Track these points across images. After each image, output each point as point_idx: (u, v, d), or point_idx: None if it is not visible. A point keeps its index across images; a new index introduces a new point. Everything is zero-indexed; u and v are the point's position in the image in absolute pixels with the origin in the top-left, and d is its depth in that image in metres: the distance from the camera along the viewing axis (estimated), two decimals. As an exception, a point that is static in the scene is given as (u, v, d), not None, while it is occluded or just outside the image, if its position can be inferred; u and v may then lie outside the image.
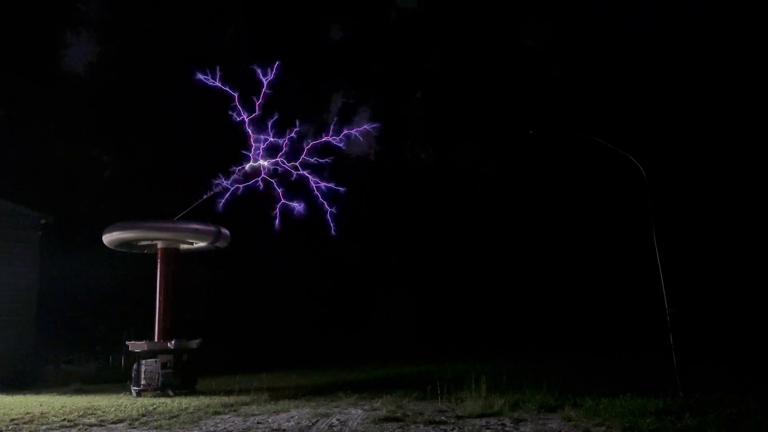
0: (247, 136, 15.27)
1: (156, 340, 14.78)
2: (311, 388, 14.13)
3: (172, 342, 14.32)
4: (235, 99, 15.05)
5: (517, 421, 8.79)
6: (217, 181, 15.02)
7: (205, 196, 14.98)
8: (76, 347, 22.68)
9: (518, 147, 29.74)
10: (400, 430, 8.39)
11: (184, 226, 15.26)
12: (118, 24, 31.69)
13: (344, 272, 31.00)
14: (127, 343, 14.70)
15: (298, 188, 15.99)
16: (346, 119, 37.34)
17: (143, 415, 10.16)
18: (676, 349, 10.53)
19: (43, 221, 19.88)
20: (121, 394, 13.91)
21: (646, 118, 27.97)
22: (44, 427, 9.24)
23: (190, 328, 16.92)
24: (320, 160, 15.44)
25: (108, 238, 15.36)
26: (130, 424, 9.35)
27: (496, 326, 27.85)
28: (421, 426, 8.60)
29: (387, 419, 9.10)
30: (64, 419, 9.85)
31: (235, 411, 10.52)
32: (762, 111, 25.96)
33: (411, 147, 37.79)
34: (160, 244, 15.50)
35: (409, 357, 21.95)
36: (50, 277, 21.52)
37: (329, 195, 15.34)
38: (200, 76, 14.83)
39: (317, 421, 9.26)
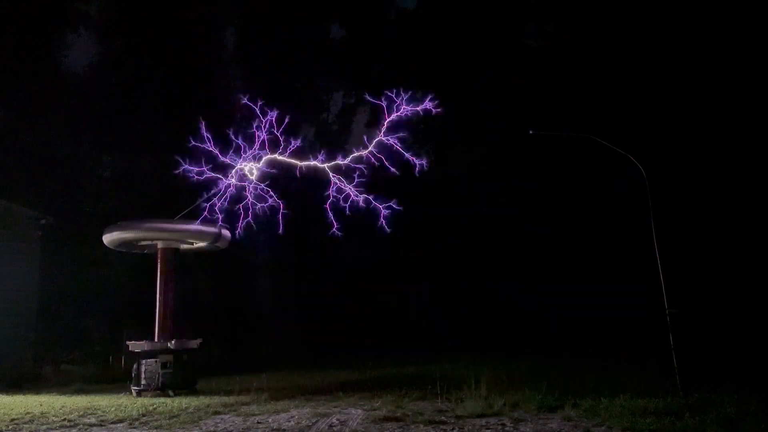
0: (246, 136, 15.24)
1: (156, 340, 14.77)
2: (311, 388, 14.12)
3: (172, 342, 14.32)
4: (236, 99, 15.01)
5: (517, 421, 8.78)
6: (218, 181, 14.98)
7: (205, 196, 14.95)
8: (76, 347, 22.68)
9: (518, 147, 29.69)
10: (400, 430, 8.39)
11: (184, 226, 15.27)
12: (118, 24, 31.67)
13: (343, 272, 31.00)
14: (127, 343, 14.70)
15: (297, 188, 15.97)
16: (345, 119, 37.50)
17: (143, 415, 10.17)
18: (676, 349, 10.53)
19: (43, 221, 19.90)
20: (121, 394, 13.92)
21: (646, 118, 27.95)
22: (44, 427, 9.24)
23: (190, 328, 16.92)
24: (320, 165, 15.33)
25: (108, 238, 15.36)
26: (130, 424, 9.36)
27: (496, 326, 27.85)
28: (421, 426, 8.59)
29: (387, 419, 9.09)
30: (64, 419, 9.85)
31: (235, 411, 10.52)
32: (763, 111, 25.93)
33: (411, 146, 37.70)
34: (160, 244, 15.50)
35: (409, 357, 21.94)
36: (50, 277, 21.52)
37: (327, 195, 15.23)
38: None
39: (317, 421, 9.26)
